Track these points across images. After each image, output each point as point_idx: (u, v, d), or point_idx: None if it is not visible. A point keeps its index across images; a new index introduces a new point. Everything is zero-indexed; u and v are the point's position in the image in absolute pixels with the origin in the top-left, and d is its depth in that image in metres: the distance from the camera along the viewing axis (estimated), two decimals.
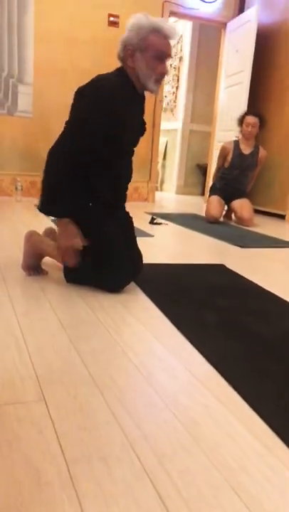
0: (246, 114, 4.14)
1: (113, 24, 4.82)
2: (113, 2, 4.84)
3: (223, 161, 4.29)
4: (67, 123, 1.75)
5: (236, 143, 4.20)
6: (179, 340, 1.39)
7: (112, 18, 4.81)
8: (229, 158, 4.18)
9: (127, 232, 1.98)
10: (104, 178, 1.82)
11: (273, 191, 5.02)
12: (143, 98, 1.91)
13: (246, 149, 4.17)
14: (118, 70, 1.82)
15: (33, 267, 1.96)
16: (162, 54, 1.74)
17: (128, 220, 2.05)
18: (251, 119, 4.04)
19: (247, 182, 4.30)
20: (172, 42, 1.75)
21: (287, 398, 1.07)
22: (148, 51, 1.72)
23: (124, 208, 2.04)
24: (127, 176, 1.97)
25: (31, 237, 1.94)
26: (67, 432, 0.89)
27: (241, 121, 4.13)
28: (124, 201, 2.02)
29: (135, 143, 1.96)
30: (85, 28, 4.74)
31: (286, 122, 4.82)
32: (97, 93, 1.71)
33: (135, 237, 2.02)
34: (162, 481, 0.77)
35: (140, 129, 1.96)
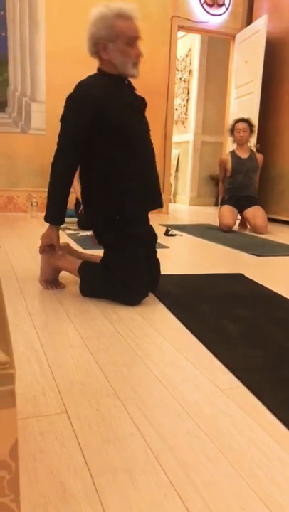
0: (235, 122, 4.35)
1: None
2: None
3: (224, 173, 4.43)
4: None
5: (232, 152, 4.41)
6: (200, 351, 1.37)
7: None
8: (229, 166, 4.34)
9: (149, 244, 1.98)
10: (129, 185, 1.81)
11: (287, 199, 4.99)
12: (128, 82, 1.89)
13: (243, 154, 4.35)
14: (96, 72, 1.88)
15: (51, 281, 1.97)
16: (133, 39, 1.77)
17: (152, 233, 2.01)
18: (241, 125, 4.27)
19: (253, 186, 4.35)
20: (136, 22, 1.79)
21: None
22: (119, 39, 1.75)
23: (148, 221, 1.99)
24: (152, 178, 1.92)
25: (53, 257, 1.95)
26: (90, 444, 0.88)
27: (232, 130, 4.34)
28: (160, 205, 1.94)
29: (142, 125, 1.91)
30: None
31: None
32: (74, 94, 1.79)
33: (155, 248, 2.01)
34: (189, 493, 0.76)
35: (140, 107, 1.93)
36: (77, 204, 4.15)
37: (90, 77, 1.85)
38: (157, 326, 1.58)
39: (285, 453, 0.88)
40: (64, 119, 1.80)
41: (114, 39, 1.74)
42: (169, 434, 0.92)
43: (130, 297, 1.79)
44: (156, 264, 1.99)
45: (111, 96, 1.77)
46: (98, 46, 1.78)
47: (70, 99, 1.78)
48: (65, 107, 1.79)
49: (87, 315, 1.66)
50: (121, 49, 1.76)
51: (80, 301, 1.81)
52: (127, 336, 1.46)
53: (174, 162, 7.29)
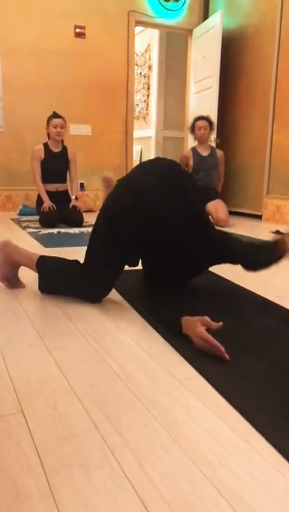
0: (195, 120, 4.43)
1: (79, 35, 4.85)
2: (79, 13, 4.88)
3: (184, 168, 4.46)
4: None
5: (194, 149, 4.50)
6: (159, 344, 1.38)
7: (78, 30, 4.84)
8: (191, 163, 4.43)
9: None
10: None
11: (249, 192, 5.08)
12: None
13: (204, 152, 4.44)
14: None
15: (9, 277, 1.93)
16: None
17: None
18: (201, 123, 4.36)
19: (213, 181, 4.44)
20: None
21: (266, 394, 1.08)
22: None
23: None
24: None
25: (5, 246, 1.89)
26: (46, 442, 0.88)
27: (193, 127, 4.42)
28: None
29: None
30: (51, 40, 4.75)
31: (257, 125, 4.90)
32: None
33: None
34: (143, 484, 0.77)
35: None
36: (38, 202, 4.09)
37: None
38: (118, 321, 1.58)
39: (240, 439, 0.90)
40: None
41: None
42: (125, 428, 0.93)
43: (99, 290, 1.78)
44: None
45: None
46: None
47: None
48: None
49: (46, 313, 1.64)
50: None
51: (39, 300, 1.79)
52: (87, 333, 1.46)
53: (136, 158, 7.29)
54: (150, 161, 1.77)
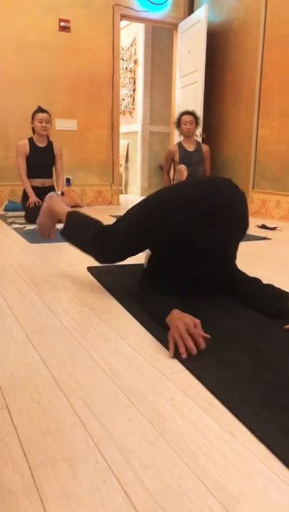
0: (181, 115, 4.42)
1: (64, 29, 4.80)
2: (63, 6, 4.83)
3: (170, 163, 4.52)
4: None
5: (179, 144, 4.49)
6: (145, 338, 1.39)
7: (62, 23, 4.79)
8: (177, 158, 4.42)
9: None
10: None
11: None
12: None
13: (190, 147, 4.45)
14: None
15: (45, 228, 2.13)
16: None
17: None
18: (187, 117, 4.35)
19: (199, 176, 4.46)
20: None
21: (250, 386, 1.09)
22: None
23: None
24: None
25: (51, 198, 2.09)
26: (31, 437, 0.87)
27: (178, 122, 4.41)
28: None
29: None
30: (35, 34, 4.70)
31: (242, 120, 4.92)
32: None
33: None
34: (128, 477, 0.77)
35: None
36: (24, 197, 4.05)
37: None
38: (104, 316, 1.58)
39: (224, 431, 0.91)
40: None
41: None
42: (110, 422, 0.93)
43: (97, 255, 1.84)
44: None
45: None
46: None
47: None
48: None
49: (32, 310, 1.63)
50: None
51: (24, 297, 1.78)
52: (72, 329, 1.46)
53: (123, 153, 7.27)
54: (222, 183, 1.64)
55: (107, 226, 1.84)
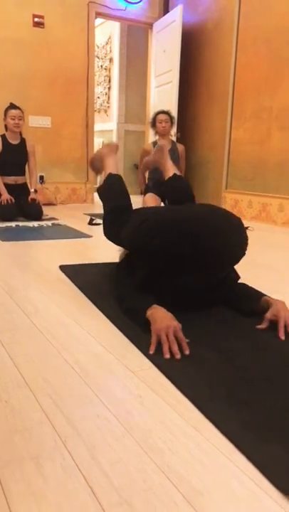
0: (156, 114, 4.42)
1: (38, 25, 4.74)
2: (37, 2, 4.77)
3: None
4: None
5: (155, 143, 4.49)
6: (116, 337, 1.40)
7: (36, 19, 4.73)
8: None
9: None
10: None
11: (208, 186, 5.16)
12: None
13: (166, 146, 4.40)
14: None
15: (97, 167, 2.24)
16: None
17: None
18: (162, 116, 4.35)
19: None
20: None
21: (217, 383, 1.11)
22: None
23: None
24: None
25: (110, 147, 2.21)
26: None
27: (154, 121, 4.41)
28: None
29: None
30: (8, 29, 4.63)
31: (216, 120, 4.97)
32: None
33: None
34: (94, 473, 0.78)
35: None
36: None
37: None
38: (75, 315, 1.58)
39: (190, 427, 0.93)
40: None
41: None
42: (78, 420, 0.94)
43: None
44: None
45: None
46: None
47: None
48: None
49: (1, 308, 1.62)
50: None
51: None
52: (43, 328, 1.45)
53: None
54: (222, 216, 1.74)
55: (128, 213, 1.91)
